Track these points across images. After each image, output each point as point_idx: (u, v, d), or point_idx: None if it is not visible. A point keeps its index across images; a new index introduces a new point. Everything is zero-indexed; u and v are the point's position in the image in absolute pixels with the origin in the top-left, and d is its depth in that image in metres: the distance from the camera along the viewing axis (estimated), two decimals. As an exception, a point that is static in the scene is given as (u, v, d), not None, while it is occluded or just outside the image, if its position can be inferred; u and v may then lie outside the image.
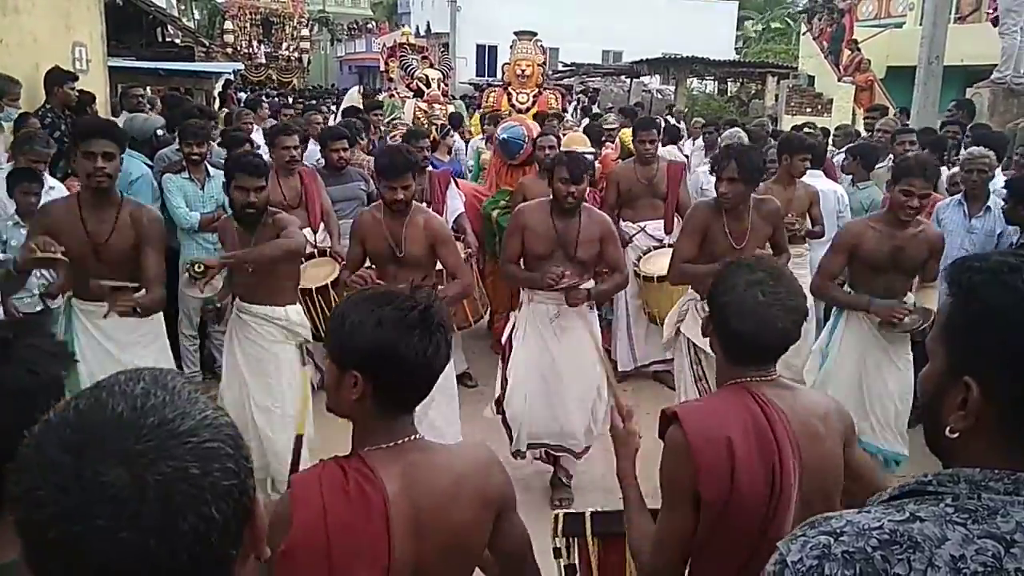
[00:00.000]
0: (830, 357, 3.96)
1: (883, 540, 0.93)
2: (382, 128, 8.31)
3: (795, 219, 4.97)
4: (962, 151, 5.58)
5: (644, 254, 5.54)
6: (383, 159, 3.75)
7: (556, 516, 2.30)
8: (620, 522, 1.99)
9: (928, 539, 0.92)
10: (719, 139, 8.74)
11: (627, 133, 6.23)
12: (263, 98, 11.78)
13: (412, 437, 1.52)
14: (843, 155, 6.69)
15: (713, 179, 6.02)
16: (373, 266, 3.99)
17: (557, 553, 2.28)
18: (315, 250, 5.07)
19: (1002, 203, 4.57)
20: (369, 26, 39.03)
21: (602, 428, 3.91)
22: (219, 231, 4.30)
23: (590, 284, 3.96)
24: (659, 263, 5.08)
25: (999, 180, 5.09)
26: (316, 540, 1.37)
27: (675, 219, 5.78)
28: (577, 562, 2.26)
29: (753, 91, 19.91)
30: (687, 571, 1.78)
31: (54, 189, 4.65)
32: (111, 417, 0.67)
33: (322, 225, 5.22)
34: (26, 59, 6.16)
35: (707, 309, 1.89)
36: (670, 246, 5.42)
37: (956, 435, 1.01)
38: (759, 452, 1.67)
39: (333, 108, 11.79)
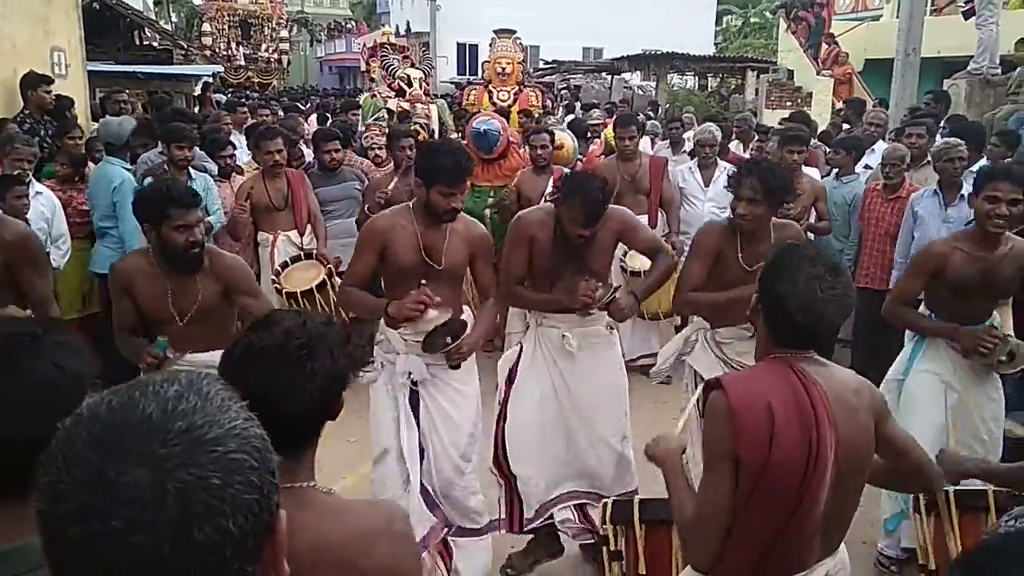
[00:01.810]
0: (908, 390, 3.49)
1: None
2: (361, 127, 8.31)
3: (796, 211, 5.01)
4: (938, 140, 5.63)
5: (626, 253, 5.57)
6: (443, 161, 3.07)
7: (605, 504, 2.39)
8: (667, 510, 2.05)
9: None
10: (691, 134, 8.83)
11: (611, 130, 6.28)
12: (243, 100, 11.72)
13: (305, 484, 1.39)
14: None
15: (687, 175, 6.16)
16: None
17: (604, 540, 2.34)
18: (301, 252, 5.07)
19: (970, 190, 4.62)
20: (349, 26, 38.91)
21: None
22: (234, 228, 4.26)
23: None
24: (641, 258, 5.12)
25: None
26: None
27: (659, 213, 5.85)
28: (624, 548, 2.33)
29: (733, 86, 20.05)
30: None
31: (41, 194, 4.62)
32: (141, 417, 0.67)
33: (309, 227, 5.23)
34: (4, 65, 6.11)
35: (758, 292, 1.95)
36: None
37: None
38: (798, 419, 1.73)
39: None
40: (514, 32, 8.32)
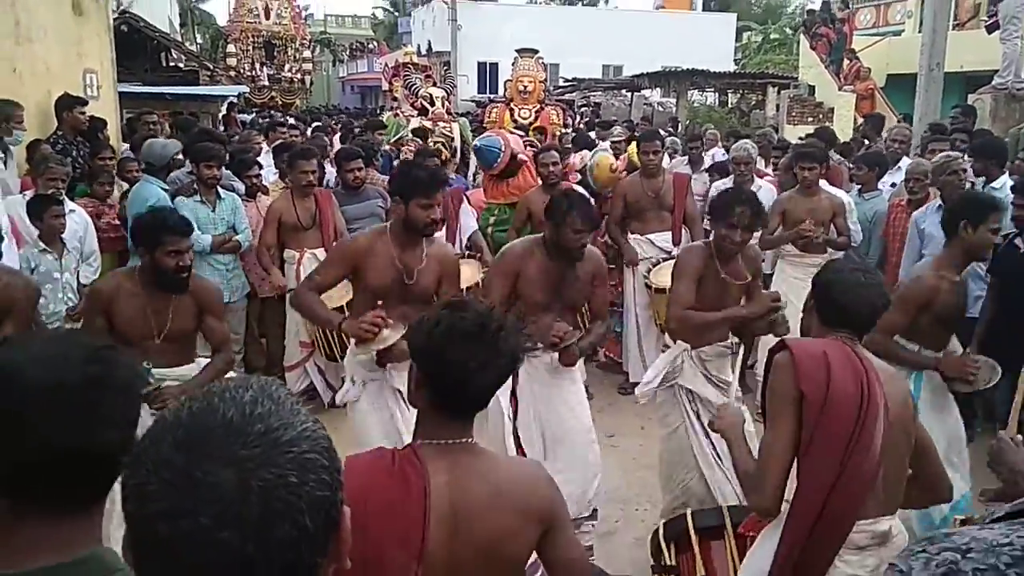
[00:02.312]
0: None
1: (1016, 557, 0.88)
2: (386, 147, 8.40)
3: (812, 227, 5.00)
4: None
5: (654, 266, 5.57)
6: (417, 173, 3.29)
7: (656, 531, 2.54)
8: (718, 516, 2.38)
9: None
10: (713, 152, 8.82)
11: (634, 147, 6.30)
12: (282, 121, 11.76)
13: (466, 440, 1.59)
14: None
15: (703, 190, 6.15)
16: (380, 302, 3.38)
17: (658, 565, 2.47)
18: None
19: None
20: (370, 47, 39.38)
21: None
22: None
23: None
24: (666, 274, 5.12)
25: (1006, 183, 5.11)
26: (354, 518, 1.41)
27: (683, 230, 5.85)
28: (678, 562, 2.46)
29: (754, 102, 20.02)
30: (793, 486, 2.04)
31: (74, 212, 4.73)
32: (222, 421, 0.71)
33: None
34: (39, 87, 6.25)
35: (812, 289, 2.29)
36: (679, 258, 5.49)
37: None
38: (851, 369, 2.03)
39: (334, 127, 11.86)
40: (536, 51, 8.37)
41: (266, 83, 25.97)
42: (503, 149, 6.01)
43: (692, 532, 2.44)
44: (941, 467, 2.18)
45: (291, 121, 11.53)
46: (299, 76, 26.90)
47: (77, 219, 4.79)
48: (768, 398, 2.10)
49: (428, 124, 9.21)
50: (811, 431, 1.97)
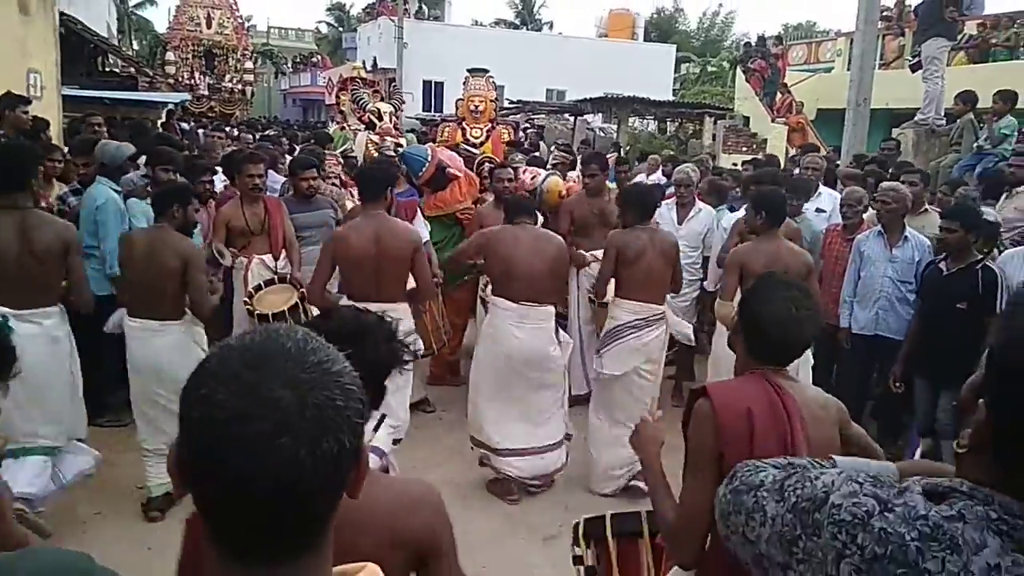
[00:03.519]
0: None
1: (924, 533, 0.90)
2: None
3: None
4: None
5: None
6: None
7: (576, 524, 2.47)
8: (636, 521, 2.25)
9: (968, 544, 0.89)
10: (668, 176, 9.10)
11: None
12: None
13: None
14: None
15: (664, 212, 6.39)
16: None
17: (577, 560, 2.42)
18: (275, 276, 5.15)
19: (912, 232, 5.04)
20: (314, 60, 39.10)
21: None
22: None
23: None
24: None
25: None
26: None
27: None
28: (597, 564, 2.41)
29: (691, 131, 20.57)
30: (709, 539, 1.95)
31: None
32: (283, 349, 0.82)
33: (283, 252, 5.31)
34: (-21, 85, 6.11)
35: (738, 314, 2.19)
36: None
37: (963, 451, 1.01)
38: (773, 422, 1.93)
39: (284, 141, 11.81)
40: (487, 71, 8.51)
41: (205, 92, 25.58)
42: (429, 159, 6.21)
43: (610, 537, 2.43)
44: (879, 451, 2.17)
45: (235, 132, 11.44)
46: (240, 87, 26.55)
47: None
48: (689, 446, 2.01)
49: (375, 138, 9.27)
50: None
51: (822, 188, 6.70)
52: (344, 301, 4.39)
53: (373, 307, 4.04)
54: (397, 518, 1.50)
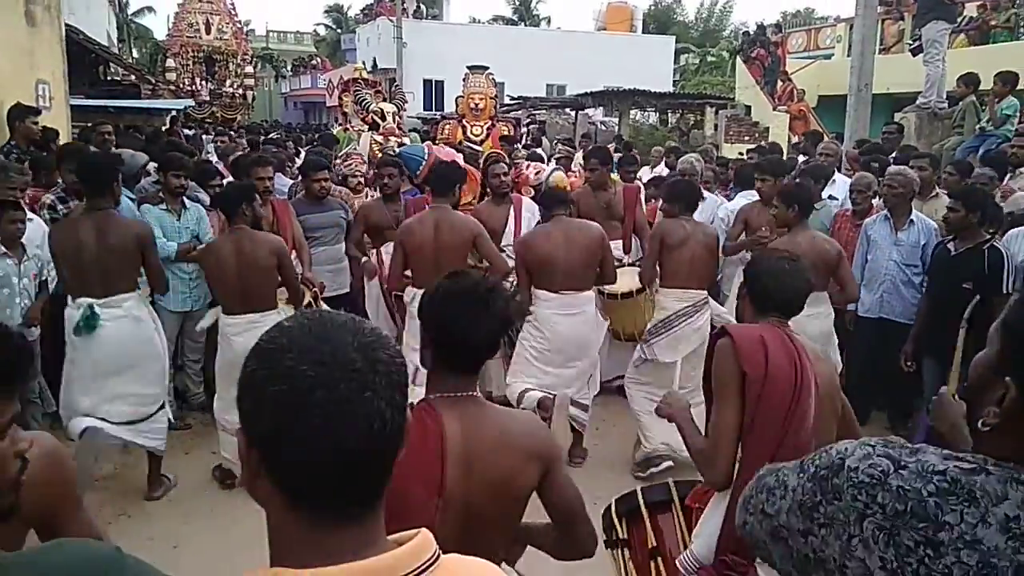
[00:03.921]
0: None
1: (942, 488, 0.92)
2: (336, 160, 8.50)
3: (768, 234, 5.23)
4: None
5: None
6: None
7: (608, 507, 2.63)
8: (665, 491, 2.53)
9: (987, 494, 0.91)
10: (672, 168, 9.16)
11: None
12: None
13: (471, 393, 1.79)
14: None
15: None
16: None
17: (609, 544, 2.57)
18: (287, 277, 5.21)
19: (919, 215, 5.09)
20: (313, 63, 39.17)
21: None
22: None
23: None
24: (621, 281, 5.34)
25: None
26: None
27: (632, 239, 6.11)
28: (630, 536, 2.56)
29: (692, 121, 20.61)
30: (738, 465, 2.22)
31: (32, 221, 4.72)
32: (339, 323, 0.92)
33: (293, 253, 5.37)
34: (-9, 96, 6.19)
35: (743, 279, 2.57)
36: (630, 265, 5.73)
37: (987, 428, 1.02)
38: (784, 350, 2.27)
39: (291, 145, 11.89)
40: (487, 68, 8.57)
41: (207, 98, 25.63)
42: (426, 158, 6.28)
43: (643, 506, 2.57)
44: (859, 430, 2.41)
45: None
46: (240, 91, 26.57)
47: (34, 228, 4.78)
48: (714, 380, 2.31)
49: (379, 138, 9.33)
50: (753, 408, 2.18)
51: (837, 174, 6.71)
52: (409, 289, 4.85)
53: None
54: (529, 436, 1.80)
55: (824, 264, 4.43)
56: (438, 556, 0.93)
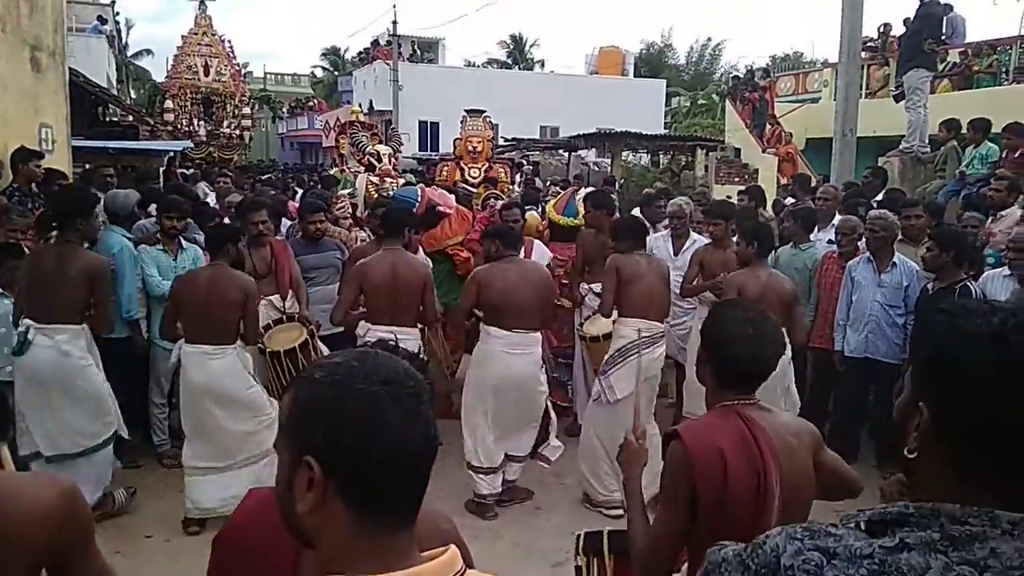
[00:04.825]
0: None
1: (872, 570, 0.95)
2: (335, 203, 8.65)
3: (721, 278, 5.35)
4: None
5: (586, 318, 5.92)
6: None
7: (578, 536, 2.56)
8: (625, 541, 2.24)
9: (913, 569, 0.93)
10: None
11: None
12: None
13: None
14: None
15: (660, 243, 6.58)
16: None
17: (579, 572, 2.52)
18: (283, 315, 5.31)
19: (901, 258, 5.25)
20: (310, 104, 39.65)
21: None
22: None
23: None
24: (598, 324, 5.46)
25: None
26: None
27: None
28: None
29: (683, 163, 20.87)
30: (687, 566, 2.04)
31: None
32: (376, 352, 1.08)
33: (290, 292, 5.48)
34: (-4, 139, 6.32)
35: (702, 344, 2.21)
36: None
37: (913, 455, 1.07)
38: (747, 460, 1.96)
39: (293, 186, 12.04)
40: (484, 111, 8.76)
41: (204, 139, 25.90)
42: (419, 201, 6.42)
43: (606, 552, 2.51)
44: (851, 472, 2.26)
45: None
46: (238, 132, 26.80)
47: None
48: (663, 485, 2.05)
49: (375, 180, 9.49)
50: (705, 527, 1.93)
51: (837, 218, 6.72)
52: (362, 323, 4.89)
53: (388, 330, 4.42)
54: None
55: (780, 302, 4.60)
56: (464, 571, 1.03)
